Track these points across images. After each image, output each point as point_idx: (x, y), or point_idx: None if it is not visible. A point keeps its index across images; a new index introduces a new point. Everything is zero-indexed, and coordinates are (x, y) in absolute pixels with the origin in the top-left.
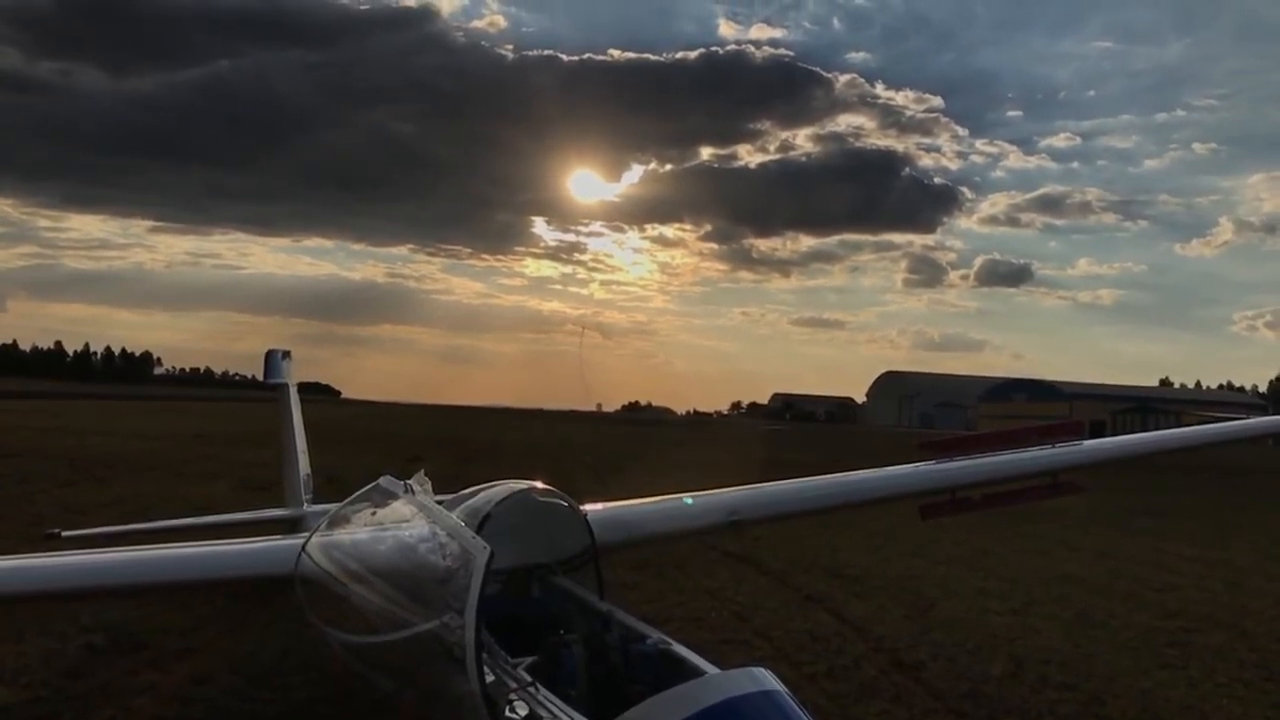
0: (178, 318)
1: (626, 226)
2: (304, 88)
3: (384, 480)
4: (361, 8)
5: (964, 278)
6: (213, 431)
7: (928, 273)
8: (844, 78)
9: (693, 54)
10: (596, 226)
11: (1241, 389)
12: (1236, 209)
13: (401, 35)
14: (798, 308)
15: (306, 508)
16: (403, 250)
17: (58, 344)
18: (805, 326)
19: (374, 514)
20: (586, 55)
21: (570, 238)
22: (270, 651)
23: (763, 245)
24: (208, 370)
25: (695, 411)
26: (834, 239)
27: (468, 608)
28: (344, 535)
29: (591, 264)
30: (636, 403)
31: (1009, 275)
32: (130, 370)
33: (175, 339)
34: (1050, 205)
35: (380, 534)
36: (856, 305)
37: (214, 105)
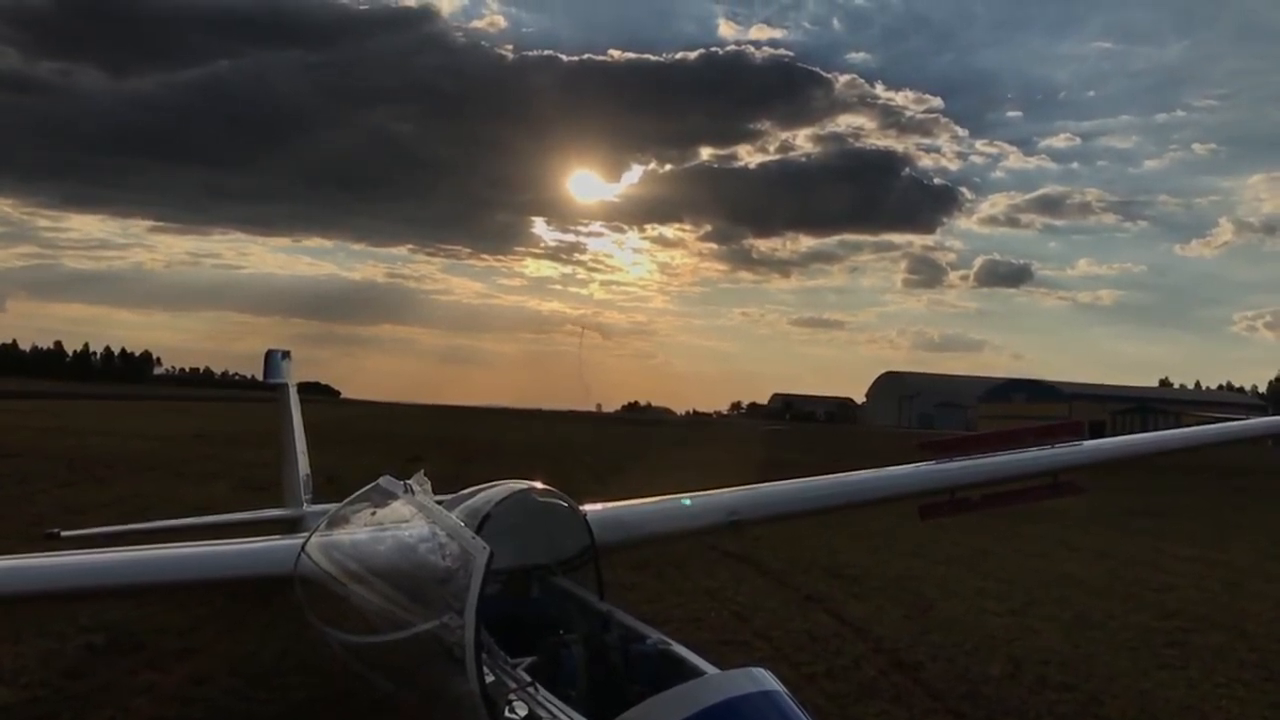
0: (177, 318)
1: (626, 227)
2: (304, 88)
3: (384, 480)
4: (361, 8)
5: (964, 278)
6: (212, 431)
7: (927, 273)
8: (844, 78)
9: (693, 54)
10: (596, 227)
11: (1241, 389)
12: (1236, 209)
13: (401, 35)
14: (797, 308)
15: (306, 508)
16: (402, 250)
17: (57, 344)
18: (805, 327)
19: (374, 514)
20: (586, 55)
21: (570, 238)
22: (270, 652)
23: (762, 245)
24: (207, 370)
25: (695, 412)
26: (834, 239)
27: (467, 608)
28: (344, 535)
29: (591, 264)
30: (636, 403)
31: (1009, 276)
32: (130, 370)
33: (175, 339)
34: (1050, 206)
35: (380, 534)
36: (856, 305)
37: (214, 105)
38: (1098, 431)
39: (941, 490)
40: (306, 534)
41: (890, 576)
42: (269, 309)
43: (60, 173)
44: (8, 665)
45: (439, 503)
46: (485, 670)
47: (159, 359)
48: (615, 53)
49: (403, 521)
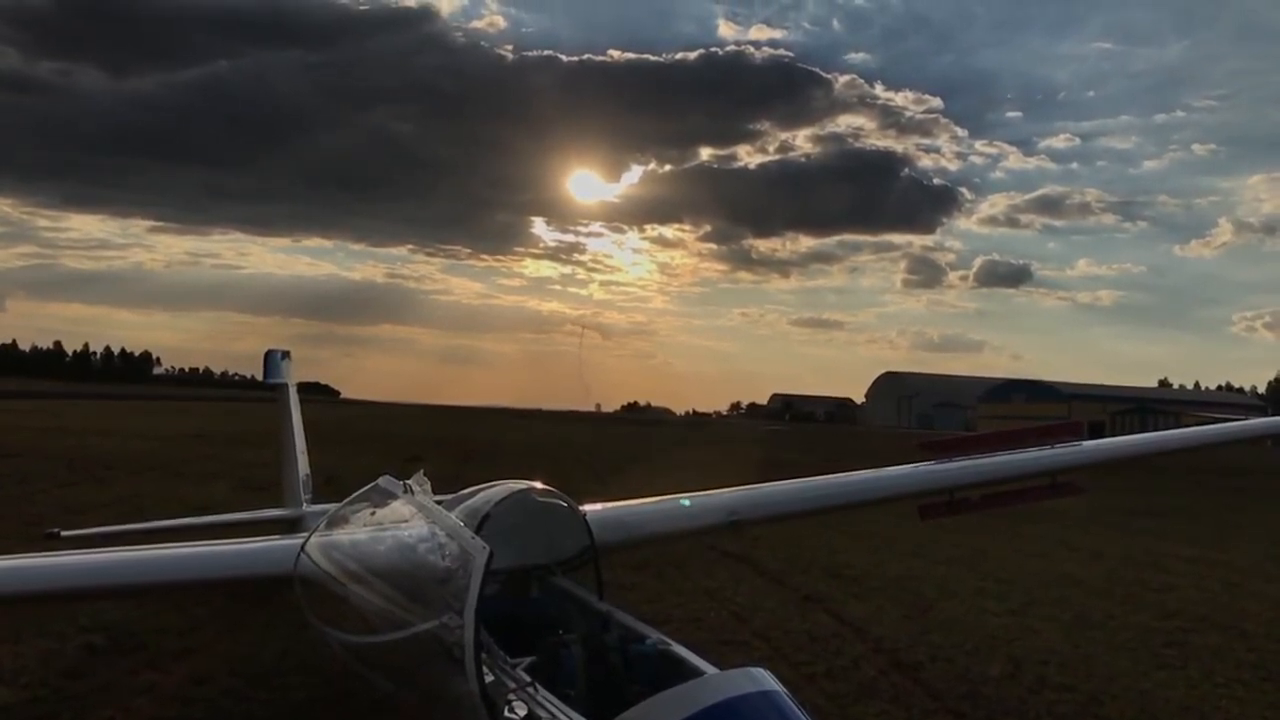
0: (177, 318)
1: (626, 227)
2: (304, 88)
3: (383, 480)
4: (361, 8)
5: (963, 278)
6: (212, 431)
7: (927, 273)
8: (843, 78)
9: (692, 54)
10: (596, 227)
11: (1240, 390)
12: (1236, 210)
13: (401, 35)
14: (797, 308)
15: (305, 508)
16: (402, 250)
17: (57, 344)
18: (804, 327)
19: (373, 514)
20: (586, 55)
21: (570, 238)
22: (270, 652)
23: (762, 246)
24: (207, 370)
25: (694, 412)
26: (833, 239)
27: (467, 608)
28: (343, 535)
29: (591, 264)
30: (636, 403)
31: (1008, 276)
32: (129, 370)
33: (175, 339)
34: (1049, 206)
35: (379, 534)
36: (856, 306)
37: (214, 105)
38: (1097, 432)
39: (941, 490)
40: (306, 534)
41: (890, 577)
42: (269, 309)
43: (60, 173)
44: (8, 665)
45: (439, 503)
46: (485, 670)
47: (159, 359)
48: (615, 53)
49: (402, 521)
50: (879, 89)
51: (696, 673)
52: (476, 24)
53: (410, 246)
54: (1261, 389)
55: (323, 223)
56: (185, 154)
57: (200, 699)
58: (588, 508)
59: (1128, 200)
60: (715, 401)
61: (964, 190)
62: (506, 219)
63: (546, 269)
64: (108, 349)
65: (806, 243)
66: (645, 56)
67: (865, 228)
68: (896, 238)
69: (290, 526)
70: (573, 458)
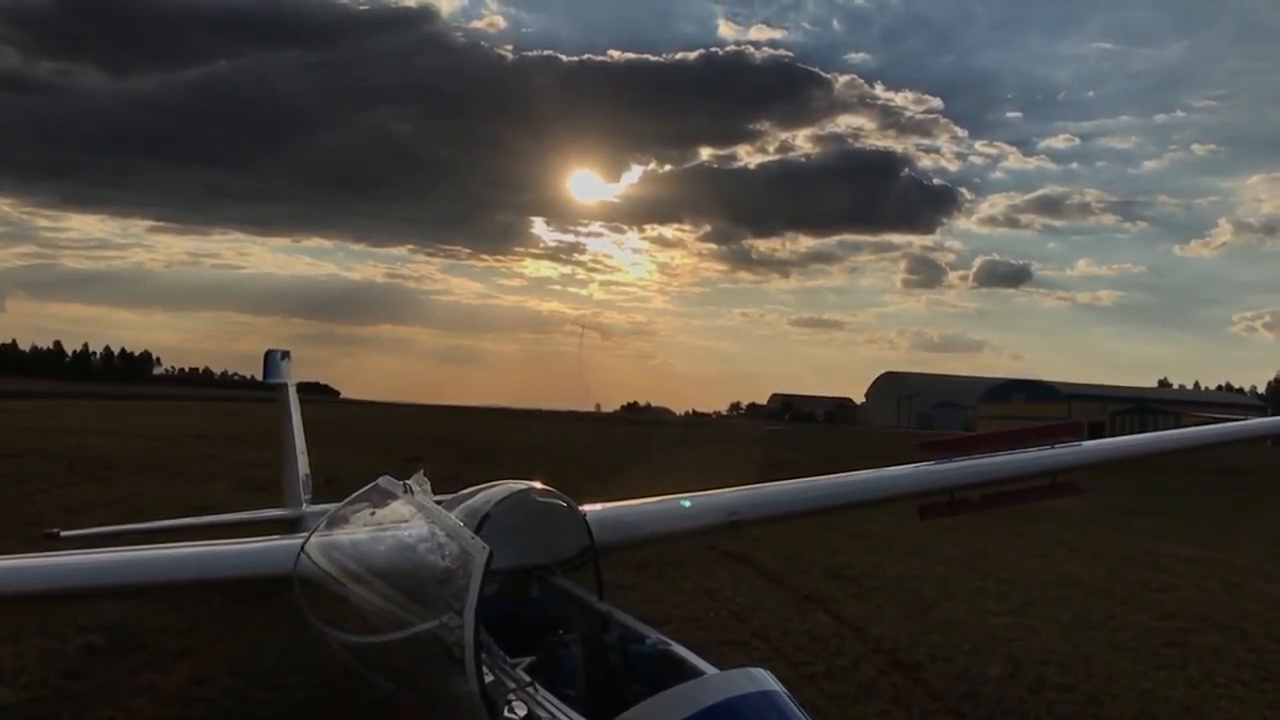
0: (177, 318)
1: (626, 227)
2: (304, 88)
3: (383, 480)
4: (361, 8)
5: (963, 278)
6: (212, 431)
7: (927, 273)
8: (843, 78)
9: (692, 54)
10: (596, 227)
11: (1240, 390)
12: (1235, 210)
13: (401, 35)
14: (797, 308)
15: (305, 508)
16: (402, 250)
17: (57, 344)
18: (804, 327)
19: (373, 514)
20: (586, 55)
21: (570, 238)
22: (270, 652)
23: (762, 246)
24: (207, 370)
25: (694, 412)
26: (833, 240)
27: (467, 608)
28: (343, 535)
29: (591, 264)
30: (635, 403)
31: (1008, 276)
32: (129, 370)
33: (175, 339)
34: (1049, 206)
35: (379, 534)
36: (856, 306)
37: (214, 105)
38: (1097, 432)
39: (941, 490)
40: (306, 534)
41: (890, 577)
42: (269, 309)
43: (60, 173)
44: (8, 665)
45: (438, 503)
46: (485, 670)
47: (159, 359)
48: (615, 53)
49: (402, 521)
50: (879, 89)
51: (696, 673)
52: (476, 24)
53: (410, 246)
54: (1261, 389)
55: (323, 223)
56: (185, 154)
57: (200, 699)
58: (588, 508)
59: (1128, 200)
60: (715, 401)
61: (964, 190)
62: (506, 219)
63: (546, 269)
64: (108, 349)
65: (806, 243)
66: (645, 56)
67: (865, 228)
68: (896, 238)
69: (290, 527)
70: (573, 458)
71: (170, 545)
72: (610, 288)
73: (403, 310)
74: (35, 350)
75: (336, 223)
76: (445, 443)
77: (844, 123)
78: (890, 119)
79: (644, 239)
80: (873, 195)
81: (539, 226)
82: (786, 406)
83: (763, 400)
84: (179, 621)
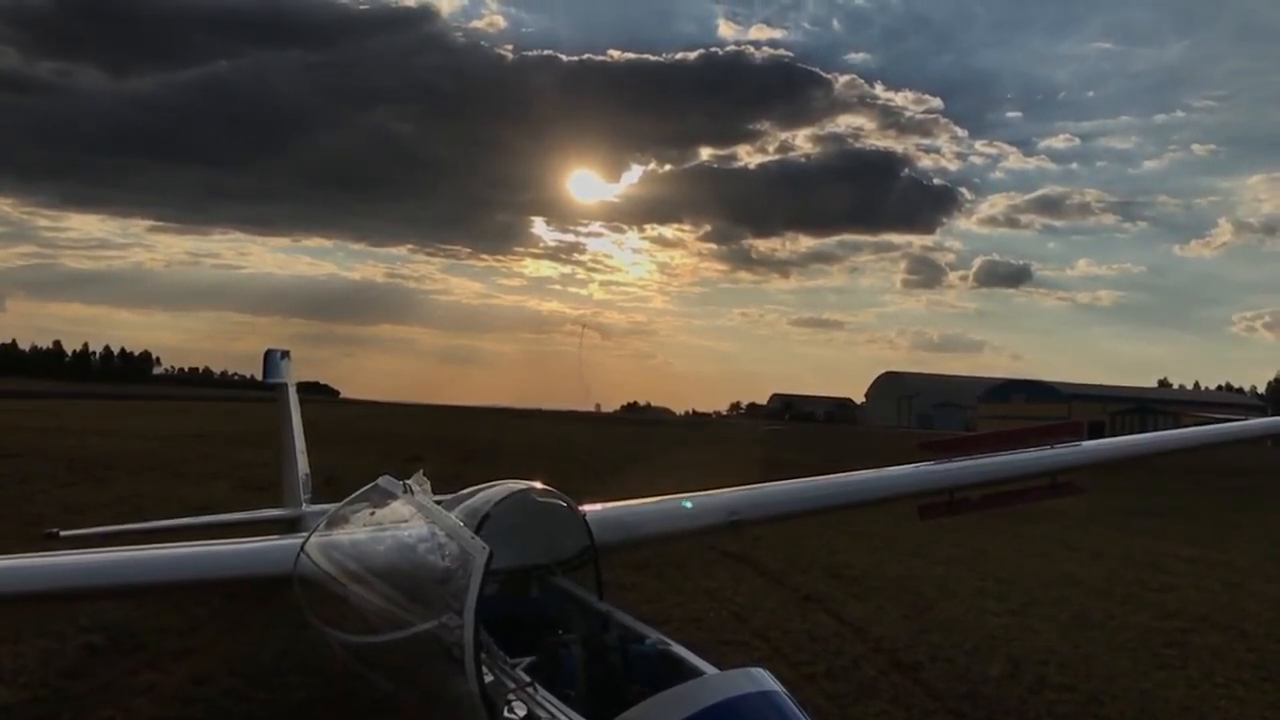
0: (177, 317)
1: (626, 227)
2: (304, 88)
3: (383, 480)
4: (361, 8)
5: (963, 278)
6: (212, 431)
7: (927, 273)
8: (843, 78)
9: (692, 54)
10: (596, 227)
11: (1240, 390)
12: (1235, 210)
13: (401, 35)
14: (797, 308)
15: (305, 508)
16: (402, 250)
17: (56, 344)
18: (804, 327)
19: (373, 514)
20: (586, 55)
21: (570, 238)
22: (269, 652)
23: (762, 246)
24: (207, 370)
25: (694, 412)
26: (833, 240)
27: (466, 608)
28: (343, 535)
29: (591, 264)
30: (635, 403)
31: (1008, 276)
32: (129, 370)
33: (174, 339)
34: (1049, 206)
35: (379, 534)
36: (856, 306)
37: (214, 105)
38: (1097, 432)
39: (941, 490)
40: (305, 534)
41: (890, 577)
42: (269, 309)
43: (60, 173)
44: (8, 665)
45: (438, 503)
46: (484, 670)
47: (159, 359)
48: (615, 53)
49: (402, 521)
50: (879, 89)
51: (696, 673)
52: (476, 24)
53: (410, 246)
54: (1261, 389)
55: (323, 223)
56: (185, 154)
57: (200, 699)
58: (587, 508)
59: (1128, 200)
60: (715, 401)
61: (964, 190)
62: (506, 219)
63: (546, 269)
64: (107, 349)
65: (806, 243)
66: (645, 56)
67: (865, 228)
68: (896, 238)
69: (290, 526)
70: (573, 458)
71: (170, 545)
72: (610, 288)
73: (403, 310)
74: (35, 350)
75: (336, 223)
76: (445, 443)
77: (844, 123)
78: (890, 119)
79: (644, 239)
80: (873, 195)
81: (539, 226)
82: (786, 406)
83: (763, 400)
84: (179, 621)
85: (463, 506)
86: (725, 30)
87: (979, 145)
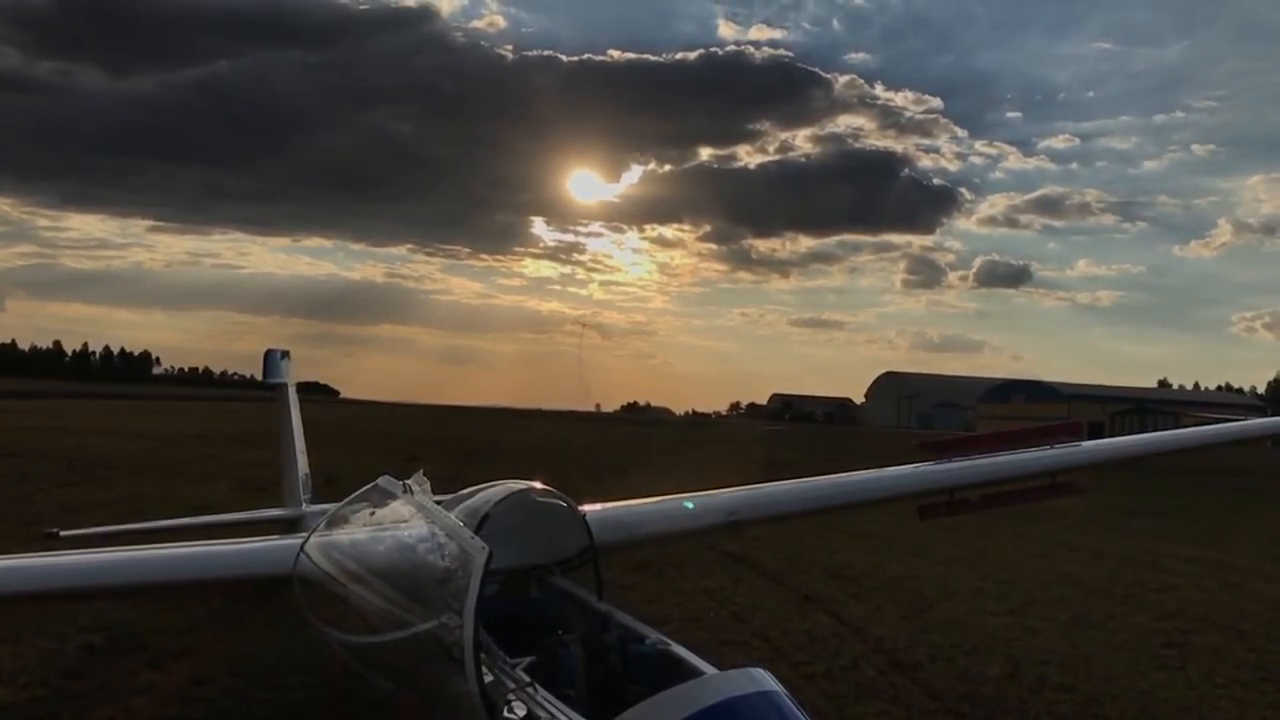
0: (177, 317)
1: (626, 227)
2: (304, 88)
3: (383, 480)
4: (361, 8)
5: (963, 279)
6: (212, 431)
7: (927, 273)
8: (843, 79)
9: (692, 54)
10: (596, 227)
11: (1240, 390)
12: (1235, 210)
13: (401, 35)
14: (797, 308)
15: (305, 508)
16: (402, 250)
17: (56, 343)
18: (804, 327)
19: (373, 514)
20: (586, 55)
21: (569, 238)
22: (269, 652)
23: (762, 246)
24: (207, 370)
25: (694, 412)
26: (833, 240)
27: (466, 608)
28: (343, 535)
29: (590, 264)
30: (635, 403)
31: (1008, 276)
32: (129, 370)
33: (174, 339)
34: (1049, 206)
35: (379, 534)
36: (855, 306)
37: (213, 105)
38: (1096, 432)
39: (941, 491)
40: (305, 534)
41: (889, 577)
42: (268, 309)
43: (60, 173)
44: (8, 665)
45: (438, 503)
46: (484, 670)
47: (158, 359)
48: (615, 53)
49: (402, 521)
50: (879, 89)
51: (696, 673)
52: (476, 24)
53: (410, 246)
54: (1261, 389)
55: (323, 223)
56: (185, 154)
57: (200, 699)
58: (587, 508)
59: (1127, 200)
60: (715, 401)
61: (964, 190)
62: (506, 219)
63: (546, 269)
64: (107, 349)
65: (806, 243)
66: (645, 56)
67: (865, 228)
68: (896, 238)
69: (289, 526)
70: (572, 458)
71: (169, 545)
72: (610, 288)
73: (403, 310)
74: (35, 350)
75: (336, 223)
76: (445, 443)
77: (844, 123)
78: (890, 119)
79: (644, 239)
80: (873, 195)
81: (539, 226)
82: (786, 407)
83: (763, 400)
84: (179, 621)
85: (462, 506)
86: (725, 30)
87: (979, 145)
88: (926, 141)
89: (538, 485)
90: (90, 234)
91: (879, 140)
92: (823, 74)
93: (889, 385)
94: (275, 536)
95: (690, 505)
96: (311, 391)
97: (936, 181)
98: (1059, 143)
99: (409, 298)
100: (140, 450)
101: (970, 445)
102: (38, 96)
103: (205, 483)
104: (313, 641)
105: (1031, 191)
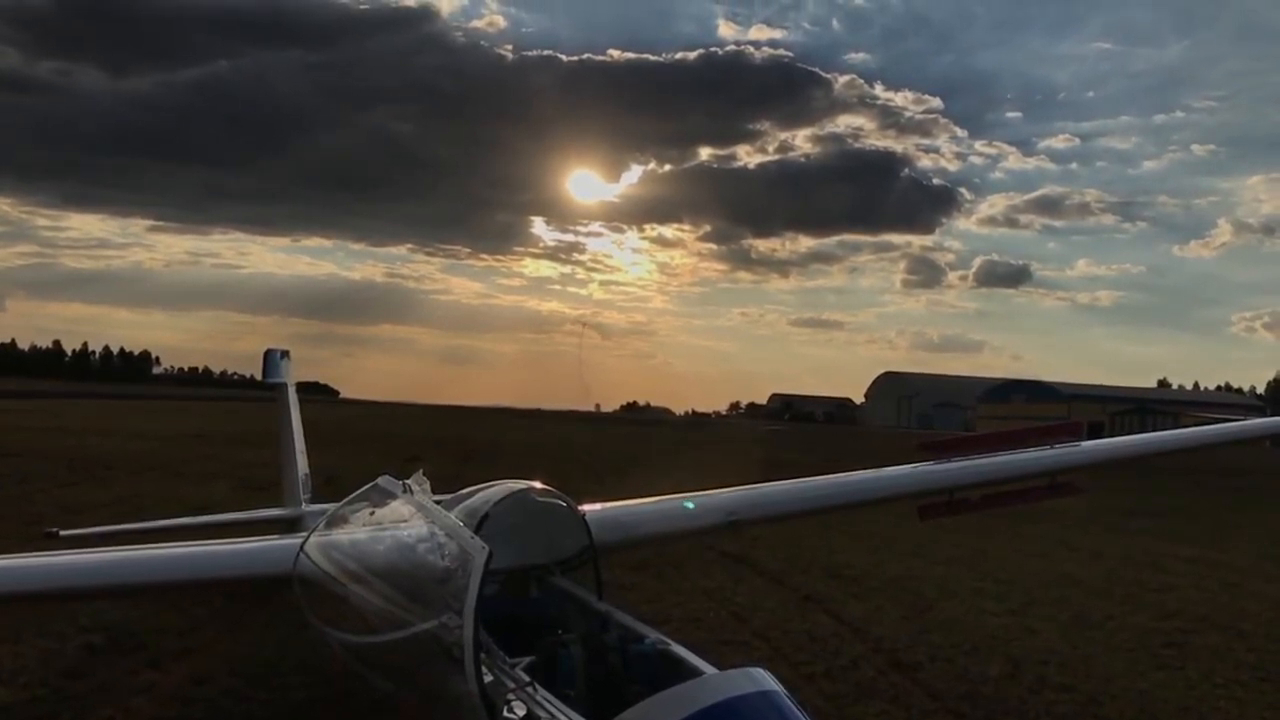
0: (176, 317)
1: (625, 227)
2: (304, 88)
3: (382, 480)
4: (361, 8)
5: (963, 278)
6: (212, 431)
7: (926, 273)
8: (843, 78)
9: (692, 54)
10: (595, 227)
11: (1240, 390)
12: (1235, 210)
13: (401, 35)
14: (797, 308)
15: (305, 507)
16: (402, 250)
17: (56, 343)
18: (804, 327)
19: (372, 514)
20: (586, 55)
21: (569, 238)
22: (269, 652)
23: (762, 246)
24: (206, 370)
25: (694, 412)
26: (833, 240)
27: (466, 608)
28: (342, 535)
29: (590, 264)
30: (635, 403)
31: (1008, 276)
32: (129, 370)
33: (174, 338)
34: (1049, 206)
35: (379, 534)
36: (855, 306)
37: (213, 105)
38: (1096, 432)
39: (940, 491)
40: (305, 534)
41: (889, 577)
42: (268, 309)
43: (60, 172)
44: (8, 665)
45: (438, 503)
46: (484, 670)
47: (158, 359)
48: (615, 53)
49: (401, 521)
50: (879, 89)
51: (696, 673)
52: (476, 24)
53: (410, 246)
54: (1261, 389)
55: (323, 223)
56: (185, 154)
57: (200, 699)
58: (587, 508)
59: (1127, 200)
60: (715, 401)
61: (963, 190)
62: (506, 219)
63: (546, 269)
64: (107, 349)
65: (806, 243)
66: (645, 56)
67: (865, 228)
68: (896, 238)
69: (289, 526)
70: (572, 458)
71: (169, 545)
72: (610, 287)
73: (403, 310)
74: (35, 350)
75: (336, 223)
76: (445, 443)
77: (844, 123)
78: (890, 119)
79: (644, 239)
80: (872, 195)
81: (539, 226)
82: (786, 406)
83: (762, 400)
84: (179, 621)
85: (462, 506)
86: (725, 30)
87: (979, 145)
88: (926, 141)
89: (537, 485)
90: (90, 234)
91: (879, 140)
92: (823, 74)
93: (889, 385)
94: (275, 536)
95: (690, 505)
96: (311, 391)
97: (936, 181)
98: (1059, 143)
99: (409, 298)
100: (140, 450)
101: (970, 445)
102: (38, 96)
103: (205, 483)
104: (313, 641)
105: (1031, 191)
